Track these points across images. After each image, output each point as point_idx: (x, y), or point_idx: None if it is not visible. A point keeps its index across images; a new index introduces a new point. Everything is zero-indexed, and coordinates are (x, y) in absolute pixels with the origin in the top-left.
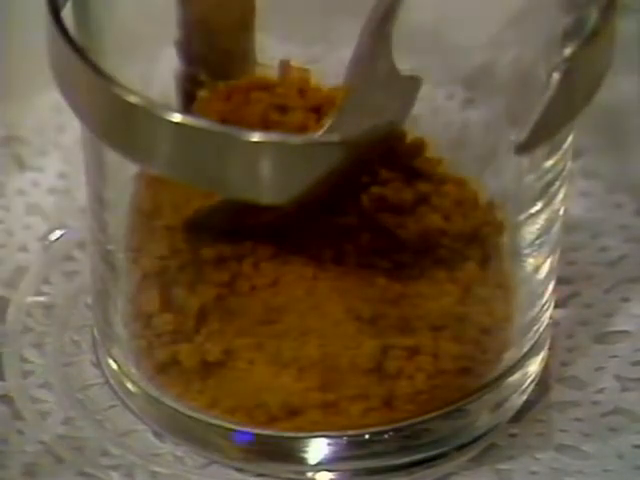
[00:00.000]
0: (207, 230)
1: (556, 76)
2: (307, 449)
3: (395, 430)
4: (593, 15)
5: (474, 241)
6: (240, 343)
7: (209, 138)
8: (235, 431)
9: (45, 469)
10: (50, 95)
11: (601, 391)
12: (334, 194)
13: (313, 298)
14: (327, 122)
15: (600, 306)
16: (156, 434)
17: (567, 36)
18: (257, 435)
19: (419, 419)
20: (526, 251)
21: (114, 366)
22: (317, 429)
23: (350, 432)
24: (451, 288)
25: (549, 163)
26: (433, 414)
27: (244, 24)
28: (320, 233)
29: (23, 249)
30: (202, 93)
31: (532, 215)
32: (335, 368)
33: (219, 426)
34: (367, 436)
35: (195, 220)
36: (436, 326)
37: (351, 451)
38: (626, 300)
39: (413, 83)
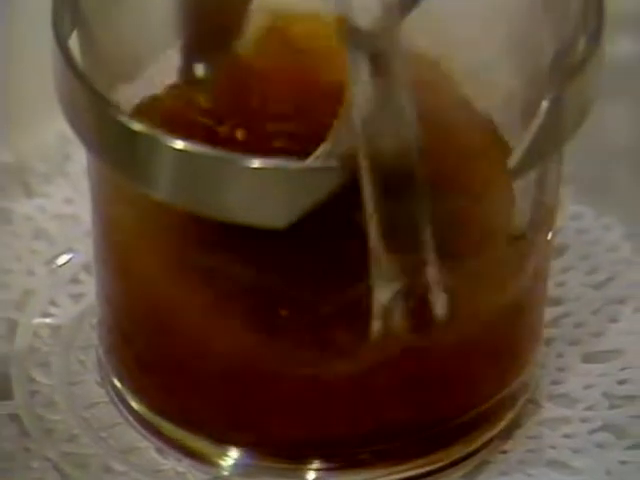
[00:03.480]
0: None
1: (545, 104)
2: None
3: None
4: (581, 44)
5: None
6: None
7: (210, 164)
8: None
9: None
10: (56, 124)
11: (590, 408)
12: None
13: None
14: (325, 146)
15: (589, 326)
16: (158, 450)
17: (556, 63)
18: (256, 454)
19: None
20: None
21: (118, 385)
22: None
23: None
24: None
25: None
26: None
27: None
28: None
29: (30, 273)
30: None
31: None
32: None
33: (218, 443)
34: (363, 455)
35: None
36: None
37: (347, 468)
38: (614, 320)
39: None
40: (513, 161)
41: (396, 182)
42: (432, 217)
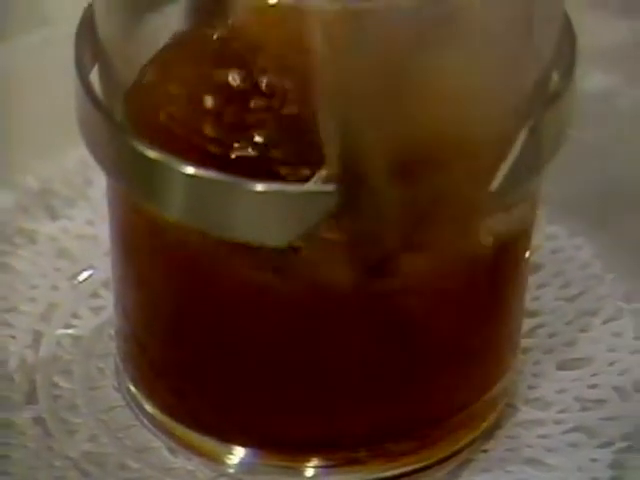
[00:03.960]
0: None
1: (524, 133)
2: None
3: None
4: (555, 78)
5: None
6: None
7: (217, 188)
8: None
9: None
10: (78, 151)
11: (563, 411)
12: None
13: None
14: (323, 171)
15: (562, 336)
16: (170, 450)
17: (534, 95)
18: (260, 453)
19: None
20: None
21: (133, 390)
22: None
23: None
24: None
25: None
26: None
27: None
28: None
29: (54, 288)
30: None
31: None
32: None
33: (225, 443)
34: (358, 454)
35: None
36: None
37: (343, 465)
38: (585, 331)
39: None
40: (495, 185)
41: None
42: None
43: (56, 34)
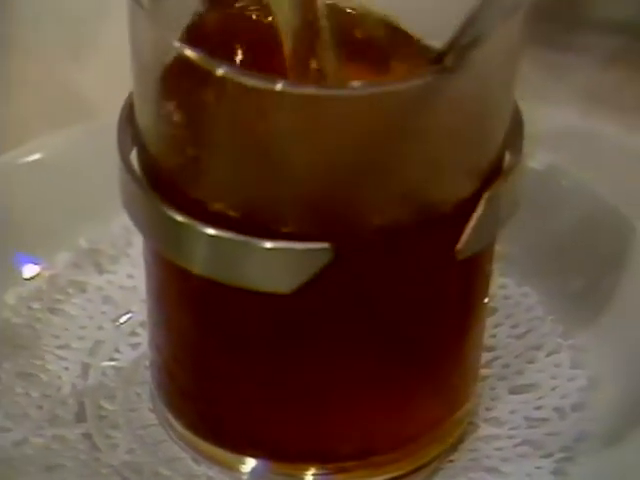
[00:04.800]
0: None
1: (483, 203)
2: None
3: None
4: (507, 157)
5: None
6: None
7: (233, 245)
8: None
9: None
10: (121, 219)
11: (514, 428)
12: None
13: None
14: None
15: (513, 367)
16: (194, 460)
17: (490, 171)
18: (268, 463)
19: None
20: None
21: (165, 411)
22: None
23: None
24: None
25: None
26: None
27: None
28: None
29: (100, 328)
30: None
31: None
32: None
33: (239, 454)
34: (348, 464)
35: None
36: None
37: (336, 473)
38: (531, 362)
39: None
40: (460, 245)
41: None
42: None
43: (108, 122)
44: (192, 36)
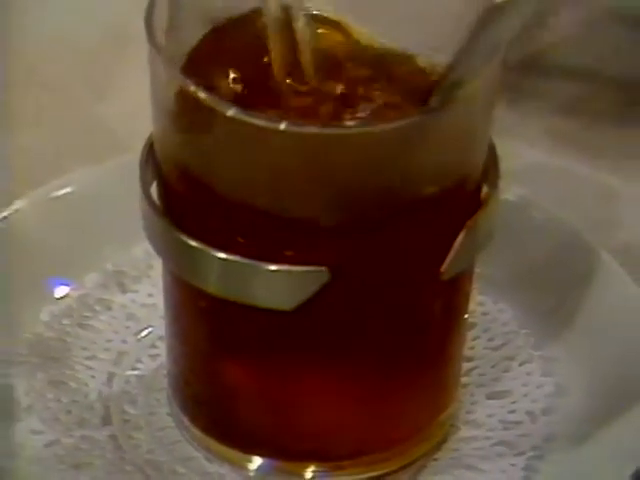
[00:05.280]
0: None
1: (463, 231)
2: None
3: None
4: (484, 189)
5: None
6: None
7: (241, 267)
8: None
9: None
10: (143, 244)
11: (491, 430)
12: None
13: None
14: None
15: (490, 375)
16: (207, 459)
17: (469, 202)
18: (273, 461)
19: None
20: None
21: (181, 415)
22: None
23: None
24: None
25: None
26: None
27: None
28: None
29: (124, 341)
30: None
31: None
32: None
33: (247, 453)
34: (344, 462)
35: None
36: None
37: (333, 470)
38: (506, 371)
39: None
40: (444, 268)
41: None
42: None
43: (131, 159)
44: (194, 64)
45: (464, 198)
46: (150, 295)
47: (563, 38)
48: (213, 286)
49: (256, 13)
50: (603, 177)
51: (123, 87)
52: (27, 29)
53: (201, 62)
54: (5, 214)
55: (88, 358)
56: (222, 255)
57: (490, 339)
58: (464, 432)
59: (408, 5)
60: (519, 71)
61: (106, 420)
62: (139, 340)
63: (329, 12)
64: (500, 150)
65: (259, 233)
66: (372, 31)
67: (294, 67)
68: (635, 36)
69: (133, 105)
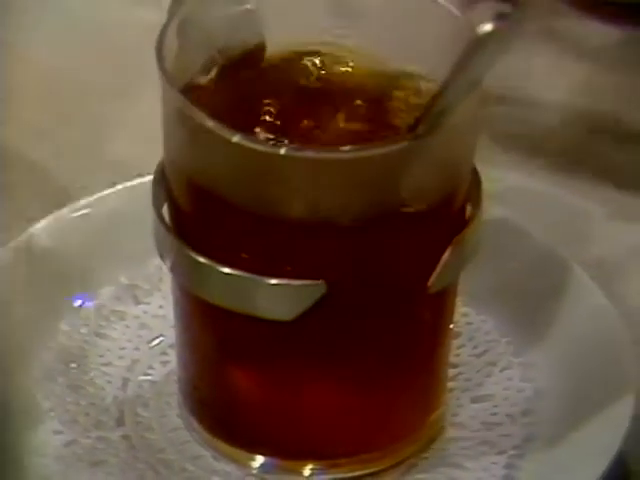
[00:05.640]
0: None
1: (449, 248)
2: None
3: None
4: (469, 209)
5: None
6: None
7: (244, 281)
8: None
9: (149, 478)
10: (154, 259)
11: (476, 431)
12: None
13: None
14: None
15: (474, 380)
16: (214, 458)
17: (456, 221)
18: (274, 460)
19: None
20: None
21: (190, 417)
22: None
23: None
24: None
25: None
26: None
27: None
28: None
29: (137, 349)
30: None
31: None
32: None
33: (250, 452)
34: (340, 460)
35: None
36: None
37: (330, 467)
38: (488, 376)
39: None
40: (431, 282)
41: None
42: None
43: (144, 182)
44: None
45: (450, 217)
46: (161, 307)
47: (538, 72)
48: (219, 298)
49: (260, 49)
50: (575, 199)
51: (137, 117)
52: (31, 61)
53: (208, 91)
54: (30, 233)
55: (104, 364)
56: (227, 270)
57: (474, 347)
58: (450, 433)
59: (401, 36)
60: (498, 101)
61: (120, 422)
62: (151, 348)
63: (323, 42)
64: (482, 175)
65: (261, 249)
66: (366, 60)
67: (292, 97)
68: (603, 71)
69: (147, 133)
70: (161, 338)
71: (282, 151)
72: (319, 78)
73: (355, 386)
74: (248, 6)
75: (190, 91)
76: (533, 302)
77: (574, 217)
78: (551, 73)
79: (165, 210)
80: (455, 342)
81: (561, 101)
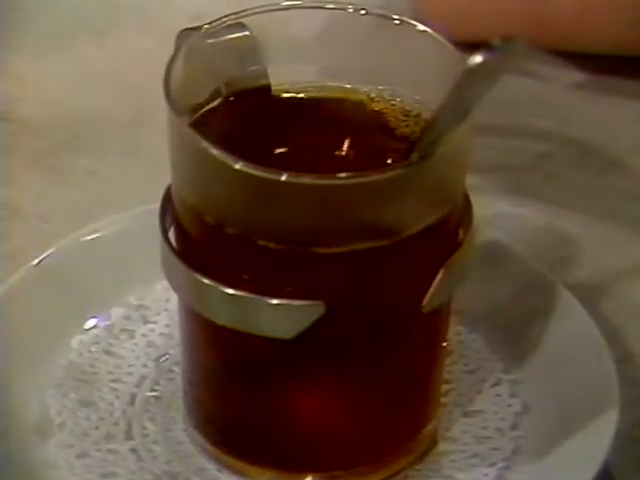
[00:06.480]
0: None
1: (442, 270)
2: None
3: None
4: (460, 232)
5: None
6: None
7: (246, 301)
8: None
9: None
10: (162, 281)
11: (465, 444)
12: None
13: None
14: None
15: (465, 395)
16: (218, 470)
17: (448, 244)
18: (276, 471)
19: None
20: None
21: (195, 431)
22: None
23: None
24: None
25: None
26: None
27: None
28: None
29: (145, 366)
30: None
31: None
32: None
33: (255, 465)
34: (338, 472)
35: None
36: None
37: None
38: (479, 392)
39: None
40: (425, 302)
41: None
42: None
43: (151, 207)
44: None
45: (443, 240)
46: (167, 325)
47: (526, 101)
48: (222, 318)
49: (264, 79)
50: (563, 224)
51: (146, 145)
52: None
53: (212, 122)
54: (43, 256)
55: (113, 381)
56: (230, 291)
57: (465, 364)
58: (443, 446)
59: (396, 67)
60: (487, 131)
61: (129, 435)
62: (158, 365)
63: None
64: (473, 200)
65: (263, 271)
66: (362, 89)
67: (293, 127)
68: (588, 101)
69: (155, 161)
70: (167, 355)
71: (282, 177)
72: (318, 107)
73: (352, 401)
74: (248, 33)
75: (195, 120)
76: (522, 322)
77: (561, 242)
78: (537, 102)
79: (172, 234)
80: (448, 359)
81: (547, 129)
